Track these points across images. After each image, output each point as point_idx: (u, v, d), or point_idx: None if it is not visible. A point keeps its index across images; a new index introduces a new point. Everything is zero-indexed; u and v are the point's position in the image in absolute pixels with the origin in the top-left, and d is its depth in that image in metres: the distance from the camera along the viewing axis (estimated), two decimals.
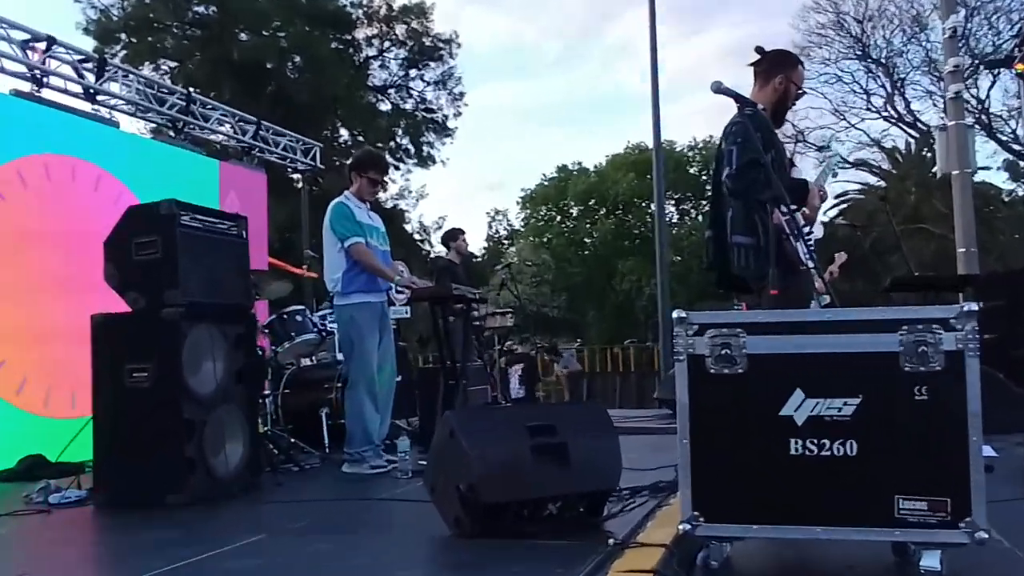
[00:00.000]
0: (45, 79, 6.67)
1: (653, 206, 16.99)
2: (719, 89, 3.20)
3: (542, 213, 42.65)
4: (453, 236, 8.08)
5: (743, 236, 3.55)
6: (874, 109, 29.46)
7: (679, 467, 2.58)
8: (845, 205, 29.71)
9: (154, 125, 8.76)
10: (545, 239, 40.95)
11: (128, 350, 4.13)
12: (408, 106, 28.03)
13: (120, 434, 4.10)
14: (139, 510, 3.88)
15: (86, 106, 7.22)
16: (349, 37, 26.85)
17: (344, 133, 27.21)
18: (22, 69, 6.51)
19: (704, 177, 36.12)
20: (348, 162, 5.95)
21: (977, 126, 24.75)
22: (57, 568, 3.09)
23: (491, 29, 55.18)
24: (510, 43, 55.84)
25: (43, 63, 6.66)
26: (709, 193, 3.91)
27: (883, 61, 28.72)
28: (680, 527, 2.56)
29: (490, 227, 46.11)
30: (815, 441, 2.48)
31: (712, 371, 2.58)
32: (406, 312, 7.98)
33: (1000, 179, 32.53)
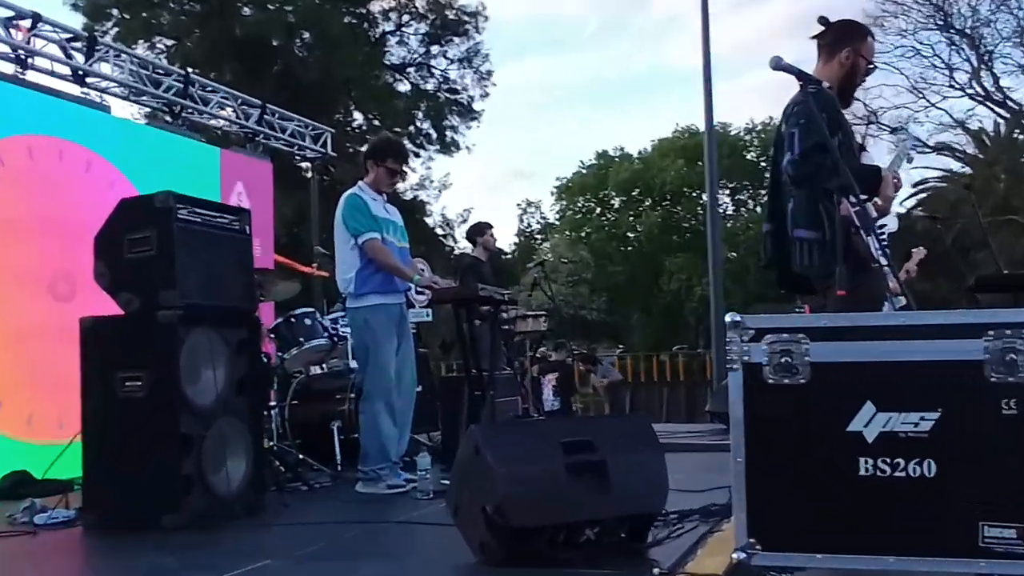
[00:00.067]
0: (30, 60, 6.77)
1: (705, 196, 16.90)
2: (779, 65, 3.18)
3: (579, 205, 42.62)
4: (479, 230, 8.10)
5: (806, 230, 3.52)
6: (957, 86, 29.08)
7: (733, 489, 2.56)
8: (924, 194, 29.33)
9: (149, 109, 8.89)
10: (583, 233, 40.91)
11: (120, 357, 4.18)
12: (429, 86, 28.09)
13: (111, 449, 4.15)
14: (132, 532, 3.92)
15: (75, 89, 7.33)
16: (363, 11, 26.97)
17: (358, 117, 27.34)
18: (5, 49, 6.62)
19: (762, 163, 35.83)
20: (363, 149, 5.98)
21: None
22: None
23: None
24: (543, 15, 55.87)
25: (28, 42, 6.77)
26: (768, 182, 3.88)
27: (968, 32, 28.34)
28: (734, 556, 2.54)
29: (521, 220, 46.18)
30: (887, 460, 2.45)
31: (770, 381, 2.56)
32: (427, 315, 8.01)
33: None
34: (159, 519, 3.96)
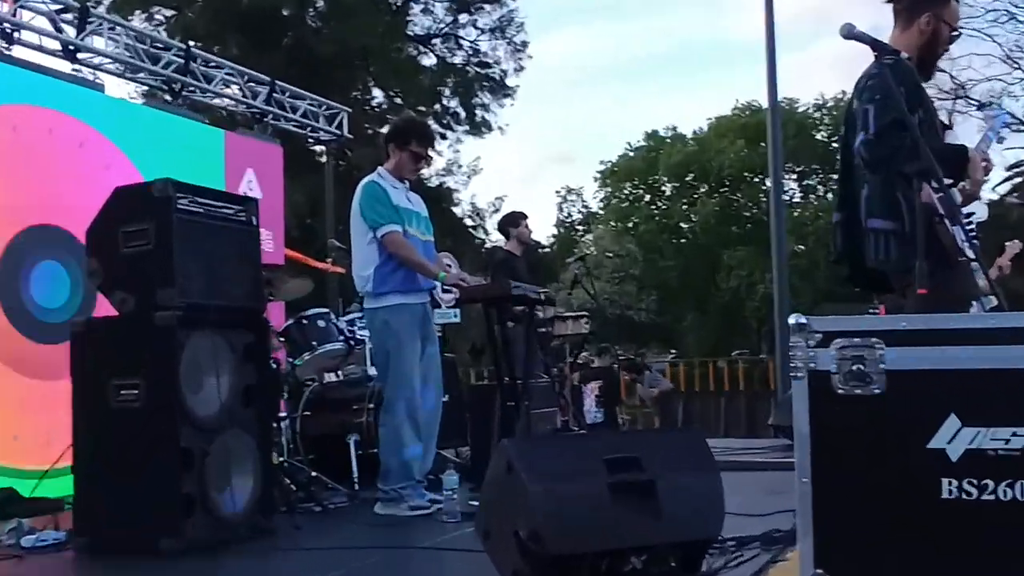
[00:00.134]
0: (16, 34, 6.86)
1: (768, 181, 16.78)
2: (850, 33, 3.16)
3: (626, 192, 42.56)
4: (513, 221, 8.11)
5: (882, 219, 3.50)
6: None
7: (798, 513, 2.55)
8: (1019, 179, 28.92)
9: (146, 88, 8.97)
10: (630, 224, 40.84)
11: (114, 363, 4.24)
12: (457, 60, 28.16)
13: (104, 464, 4.21)
14: (127, 557, 3.98)
15: (65, 66, 7.42)
16: None
17: (378, 94, 27.48)
18: None
19: (833, 144, 35.49)
20: (383, 131, 6.01)
21: None
22: None
23: None
24: None
25: (14, 14, 6.86)
26: (838, 165, 3.85)
27: None
28: None
29: (560, 210, 46.25)
30: (974, 482, 2.42)
31: (840, 392, 2.54)
32: (455, 316, 8.02)
33: None
34: (157, 543, 4.00)
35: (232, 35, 23.22)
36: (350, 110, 10.71)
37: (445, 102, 27.76)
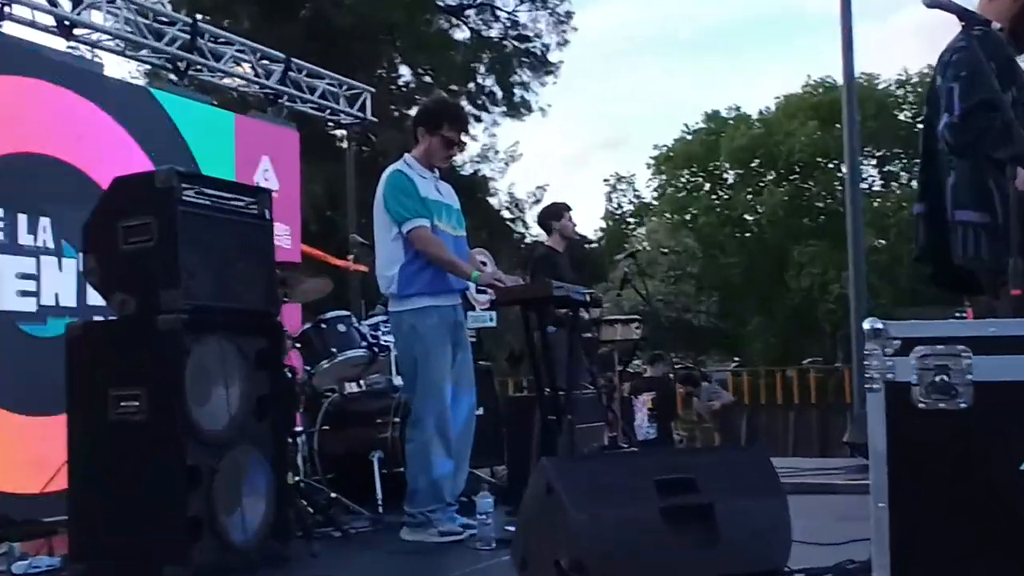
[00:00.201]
0: (7, 8, 6.96)
1: (844, 168, 16.63)
2: (934, 2, 3.13)
3: (683, 180, 42.44)
4: (555, 213, 8.10)
5: (971, 211, 3.47)
6: None
7: (873, 541, 2.54)
8: None
9: (149, 67, 9.07)
10: (688, 216, 40.71)
11: (114, 371, 4.28)
12: (493, 33, 28.16)
13: (103, 484, 4.25)
14: None
15: (60, 43, 7.52)
16: None
17: (405, 72, 27.52)
18: None
19: (919, 125, 35.19)
20: (412, 113, 6.03)
21: None
22: None
23: None
24: None
25: None
26: (921, 150, 3.82)
27: None
28: None
29: (609, 200, 46.18)
30: None
31: (921, 406, 2.53)
32: (490, 319, 8.03)
33: None
34: (160, 570, 4.03)
35: (243, 7, 23.36)
36: (374, 90, 10.76)
37: (480, 80, 27.73)
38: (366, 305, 7.68)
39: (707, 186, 41.87)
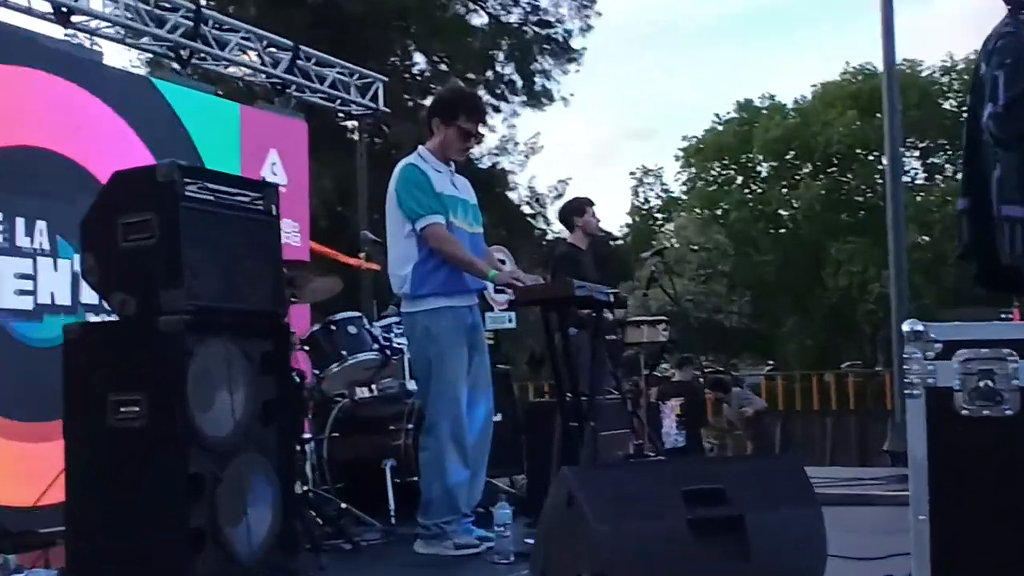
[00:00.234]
0: None
1: (884, 160, 16.54)
2: None
3: (715, 173, 42.39)
4: (578, 209, 8.09)
5: (1018, 207, 3.47)
6: None
7: (913, 556, 2.54)
8: None
9: (150, 55, 9.10)
10: (719, 211, 40.63)
11: (112, 375, 4.29)
12: (513, 18, 28.17)
13: (101, 493, 4.27)
14: None
15: (57, 31, 7.56)
16: None
17: (419, 60, 27.56)
18: None
19: (964, 115, 35.06)
20: (427, 104, 6.03)
21: None
22: None
23: None
24: None
25: None
26: (964, 141, 3.81)
27: None
28: None
29: (636, 194, 46.21)
30: None
31: (964, 412, 2.53)
32: (509, 321, 8.06)
33: None
34: None
35: None
36: (386, 79, 10.79)
37: (499, 68, 27.74)
38: (378, 306, 7.69)
39: (739, 179, 41.82)
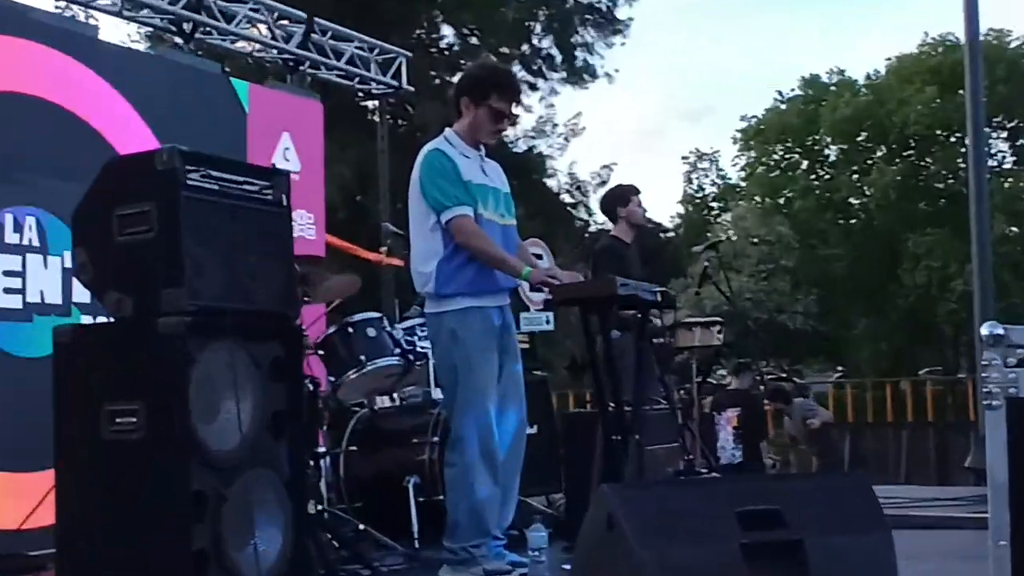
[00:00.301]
0: None
1: (967, 142, 16.43)
2: None
3: (777, 157, 42.17)
4: (621, 198, 8.07)
5: None
6: None
7: None
8: None
9: (151, 29, 9.16)
10: (781, 200, 40.45)
11: (108, 382, 4.32)
12: None
13: (95, 512, 4.30)
14: None
15: (48, 3, 7.64)
16: None
17: (447, 33, 27.56)
18: None
19: None
20: (455, 81, 6.03)
21: None
22: None
23: None
24: None
25: None
26: None
27: None
28: None
29: (689, 181, 46.08)
30: None
31: None
32: (547, 322, 8.06)
33: None
34: None
35: None
36: (410, 54, 10.80)
37: (536, 42, 27.69)
38: (400, 306, 7.71)
39: (804, 164, 41.59)
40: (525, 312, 8.21)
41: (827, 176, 40.89)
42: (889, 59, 40.52)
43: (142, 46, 10.25)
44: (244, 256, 4.56)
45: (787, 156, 42.04)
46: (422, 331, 6.33)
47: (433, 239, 5.20)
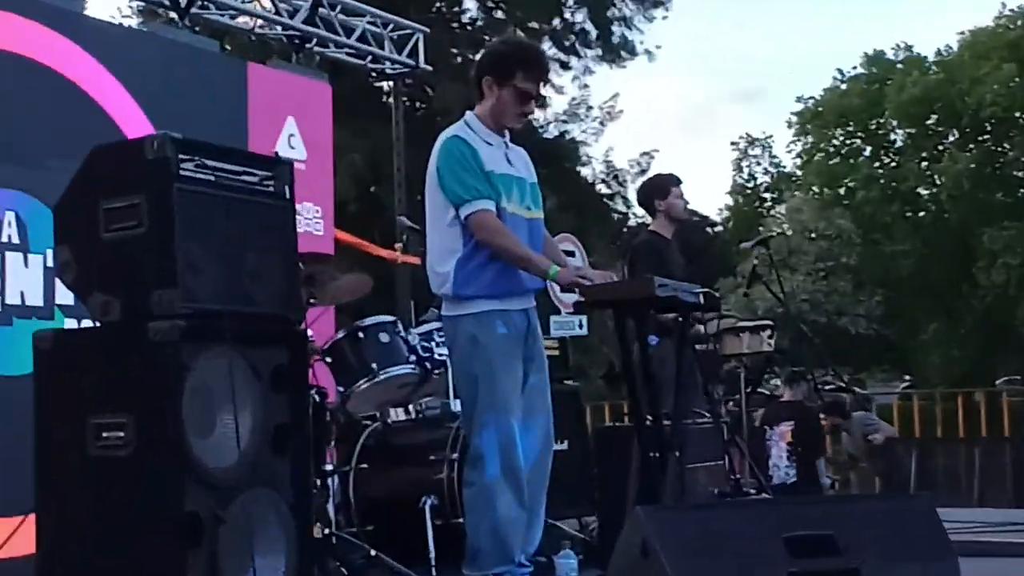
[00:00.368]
0: None
1: None
2: None
3: (836, 143, 42.01)
4: (660, 189, 8.05)
5: None
6: None
7: None
8: None
9: (142, 3, 9.21)
10: (842, 190, 40.30)
11: (93, 393, 4.33)
12: None
13: (79, 536, 4.31)
14: None
15: None
16: None
17: (470, 6, 27.56)
18: None
19: None
20: (476, 59, 6.02)
21: None
22: None
23: None
24: None
25: None
26: None
27: None
28: None
29: (739, 169, 45.95)
30: None
31: None
32: (580, 326, 8.05)
33: None
34: None
35: None
36: (428, 30, 10.81)
37: (568, 16, 27.68)
38: (417, 308, 7.73)
39: (868, 150, 41.43)
40: (556, 315, 8.22)
41: (893, 164, 40.72)
42: (962, 33, 40.34)
43: (133, 22, 10.27)
44: (243, 254, 4.57)
45: (848, 141, 41.88)
46: (440, 336, 6.32)
47: (451, 235, 5.19)
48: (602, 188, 29.27)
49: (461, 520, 5.41)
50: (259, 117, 8.37)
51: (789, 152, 44.15)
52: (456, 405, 6.21)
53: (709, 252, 33.40)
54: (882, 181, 39.99)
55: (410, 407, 6.91)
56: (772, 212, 42.74)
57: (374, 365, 6.37)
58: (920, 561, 3.32)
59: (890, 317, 36.84)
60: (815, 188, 41.23)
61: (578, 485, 6.72)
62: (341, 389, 6.40)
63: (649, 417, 5.49)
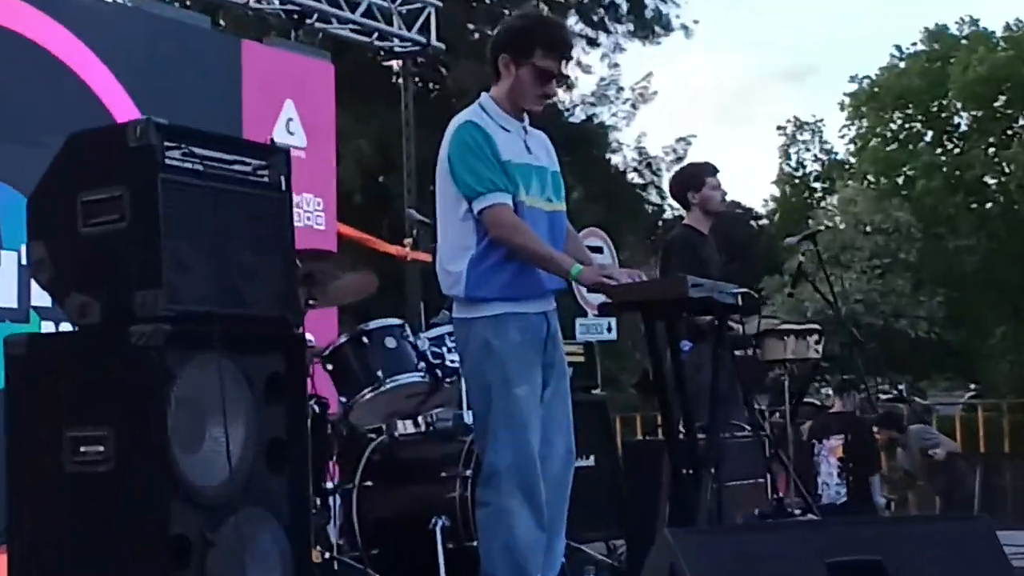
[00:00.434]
0: None
1: None
2: None
3: (895, 127, 41.89)
4: (694, 180, 8.05)
5: None
6: None
7: None
8: None
9: None
10: (900, 179, 40.18)
11: (71, 403, 4.35)
12: None
13: (55, 561, 4.33)
14: None
15: None
16: None
17: None
18: None
19: None
20: (492, 35, 6.02)
21: None
22: None
23: None
24: None
25: None
26: None
27: None
28: None
29: (786, 156, 45.84)
30: None
31: None
32: (608, 330, 8.06)
33: None
34: None
35: None
36: (441, 3, 10.82)
37: None
38: (427, 310, 7.73)
39: (929, 135, 41.31)
40: (582, 318, 8.22)
41: (956, 150, 40.60)
42: None
43: None
44: (235, 250, 4.58)
45: (907, 126, 41.77)
46: (452, 341, 6.31)
47: (464, 231, 5.16)
48: (634, 177, 29.20)
49: (474, 543, 5.42)
50: (254, 100, 8.38)
51: (842, 137, 44.09)
52: (469, 417, 6.21)
53: (753, 248, 33.34)
54: (944, 169, 39.86)
55: (419, 419, 6.94)
56: (823, 203, 42.66)
57: (380, 373, 6.38)
58: None
59: (953, 319, 36.70)
60: (870, 177, 41.11)
61: (605, 504, 6.72)
62: (343, 399, 6.41)
63: (682, 430, 5.49)
